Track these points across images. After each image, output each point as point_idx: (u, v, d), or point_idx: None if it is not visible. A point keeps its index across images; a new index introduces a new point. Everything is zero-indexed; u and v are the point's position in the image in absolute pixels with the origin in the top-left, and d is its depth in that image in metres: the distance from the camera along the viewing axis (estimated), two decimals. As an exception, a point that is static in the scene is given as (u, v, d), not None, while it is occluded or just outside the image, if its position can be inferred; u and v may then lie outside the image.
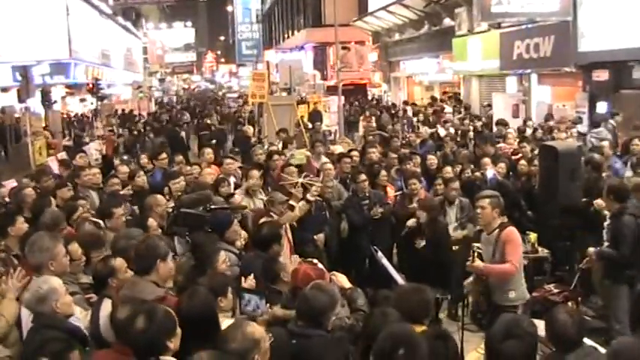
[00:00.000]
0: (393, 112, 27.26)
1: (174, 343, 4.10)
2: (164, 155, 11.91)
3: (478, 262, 6.93)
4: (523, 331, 3.76)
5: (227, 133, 25.13)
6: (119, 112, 32.77)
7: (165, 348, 4.06)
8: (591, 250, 7.88)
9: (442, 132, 18.14)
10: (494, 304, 6.99)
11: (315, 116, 22.61)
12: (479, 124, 18.94)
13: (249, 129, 19.48)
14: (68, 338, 4.43)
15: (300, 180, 8.70)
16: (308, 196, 8.60)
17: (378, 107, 29.58)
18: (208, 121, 26.88)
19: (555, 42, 18.54)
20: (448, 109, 25.18)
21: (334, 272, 5.62)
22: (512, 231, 6.93)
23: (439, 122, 20.44)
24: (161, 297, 4.92)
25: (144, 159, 12.49)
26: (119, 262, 5.43)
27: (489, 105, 22.54)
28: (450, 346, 4.24)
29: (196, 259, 6.20)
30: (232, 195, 9.17)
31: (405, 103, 29.22)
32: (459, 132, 18.04)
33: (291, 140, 14.60)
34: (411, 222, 8.93)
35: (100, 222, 7.27)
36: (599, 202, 8.61)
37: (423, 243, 8.51)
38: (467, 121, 20.02)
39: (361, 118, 25.52)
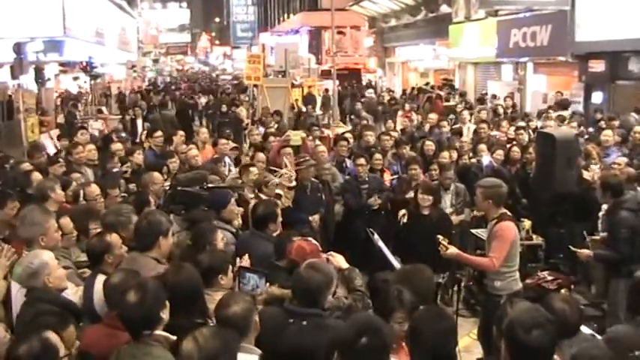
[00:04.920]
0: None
1: (165, 314, 4.07)
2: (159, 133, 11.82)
3: (452, 250, 6.81)
4: (545, 319, 3.65)
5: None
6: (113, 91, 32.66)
7: (159, 320, 4.03)
8: (586, 252, 7.71)
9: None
10: (485, 290, 7.00)
11: (309, 100, 22.60)
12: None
13: (242, 111, 19.40)
14: (62, 312, 4.41)
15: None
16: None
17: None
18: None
19: (552, 31, 18.54)
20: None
21: (331, 252, 5.58)
22: (505, 226, 6.67)
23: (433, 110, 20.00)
24: (163, 274, 4.87)
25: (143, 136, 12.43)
26: (114, 238, 5.34)
27: (486, 94, 22.50)
28: (446, 325, 4.18)
29: (193, 237, 6.14)
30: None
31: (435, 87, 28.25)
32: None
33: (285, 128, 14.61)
34: (402, 212, 8.74)
35: None
36: (588, 173, 8.82)
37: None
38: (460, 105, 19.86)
39: (399, 113, 20.71)
